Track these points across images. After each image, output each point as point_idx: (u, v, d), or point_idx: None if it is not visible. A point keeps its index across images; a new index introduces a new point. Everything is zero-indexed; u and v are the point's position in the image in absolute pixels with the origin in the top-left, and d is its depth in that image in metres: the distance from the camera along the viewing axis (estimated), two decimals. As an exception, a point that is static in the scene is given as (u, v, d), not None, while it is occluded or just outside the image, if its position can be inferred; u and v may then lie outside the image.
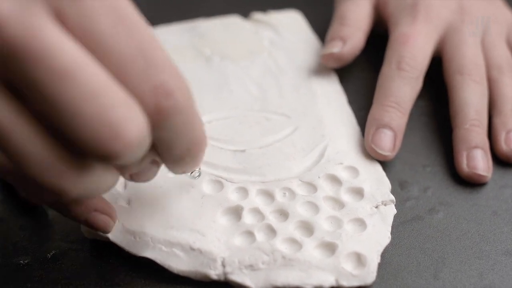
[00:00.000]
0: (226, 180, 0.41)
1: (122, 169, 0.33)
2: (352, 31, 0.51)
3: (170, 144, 0.32)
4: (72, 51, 0.27)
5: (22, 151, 0.28)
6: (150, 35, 0.29)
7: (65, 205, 0.36)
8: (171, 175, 0.38)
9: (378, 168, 0.43)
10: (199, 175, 0.39)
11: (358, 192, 0.41)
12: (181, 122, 0.30)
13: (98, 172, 0.30)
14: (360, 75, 0.53)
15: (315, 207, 0.39)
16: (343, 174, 0.41)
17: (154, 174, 0.35)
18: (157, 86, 0.29)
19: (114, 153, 0.28)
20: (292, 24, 0.57)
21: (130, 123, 0.27)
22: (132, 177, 0.34)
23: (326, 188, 0.41)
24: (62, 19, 0.27)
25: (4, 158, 0.29)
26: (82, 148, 0.28)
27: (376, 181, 0.41)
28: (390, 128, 0.44)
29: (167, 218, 0.39)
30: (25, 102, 0.28)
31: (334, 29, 0.53)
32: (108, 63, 0.28)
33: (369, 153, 0.43)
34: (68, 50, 0.27)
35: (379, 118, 0.45)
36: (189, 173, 0.39)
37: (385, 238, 0.38)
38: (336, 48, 0.50)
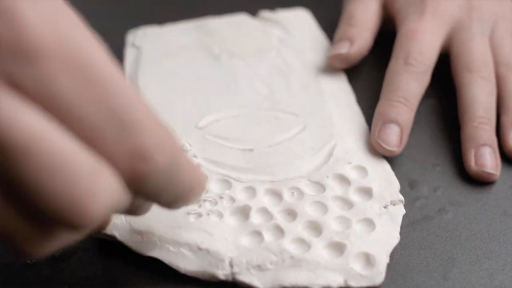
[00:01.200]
0: (234, 179, 0.41)
1: None
2: (360, 31, 0.51)
3: (156, 197, 0.30)
4: (29, 122, 0.24)
5: None
6: (126, 92, 0.26)
7: None
8: None
9: (387, 167, 0.42)
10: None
11: (367, 192, 0.40)
12: (163, 180, 0.28)
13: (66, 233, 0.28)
14: (369, 73, 0.53)
15: (323, 207, 0.39)
16: (351, 174, 0.41)
17: (149, 208, 0.34)
18: (133, 150, 0.26)
19: (78, 226, 0.26)
20: (300, 22, 0.57)
21: (95, 198, 0.25)
22: (126, 213, 0.33)
23: (334, 188, 0.40)
24: (16, 85, 0.24)
25: None
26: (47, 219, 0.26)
27: (385, 180, 0.41)
28: (397, 123, 0.44)
29: (174, 218, 0.38)
30: None
31: (341, 29, 0.52)
32: (74, 129, 0.25)
33: (376, 149, 0.43)
34: (24, 122, 0.24)
35: (386, 113, 0.44)
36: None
37: (394, 238, 0.38)
38: (343, 49, 0.50)
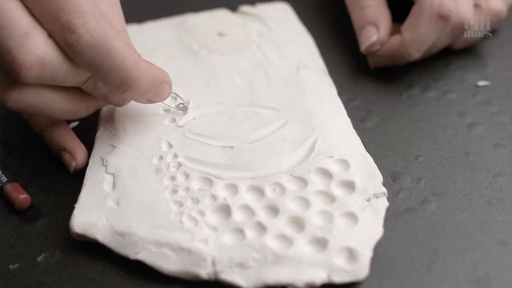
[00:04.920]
0: (215, 177, 0.40)
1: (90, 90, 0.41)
2: (376, 8, 0.52)
3: (98, 77, 0.39)
4: None
5: None
6: None
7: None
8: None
9: (370, 160, 0.42)
10: (183, 107, 0.45)
11: (349, 185, 0.40)
12: (93, 57, 0.37)
13: (31, 90, 0.38)
14: (350, 66, 0.53)
15: (305, 202, 0.39)
16: (333, 168, 0.41)
17: (123, 100, 0.43)
18: (63, 24, 0.37)
19: (14, 72, 0.36)
20: (280, 16, 0.56)
21: (25, 51, 0.36)
22: (105, 98, 0.42)
23: (317, 182, 0.40)
24: None
25: None
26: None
27: (367, 173, 0.41)
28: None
29: (155, 218, 0.38)
30: None
31: (357, 15, 0.53)
32: (32, 7, 0.37)
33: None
34: None
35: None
36: (173, 105, 0.45)
37: (377, 232, 0.38)
38: (373, 36, 0.51)
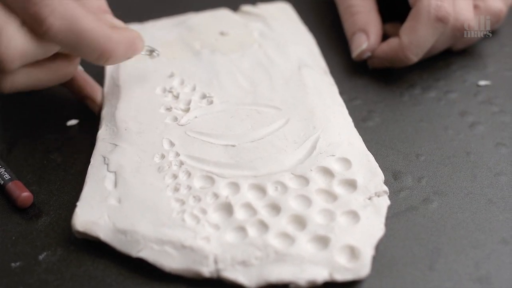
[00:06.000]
0: (217, 175, 0.41)
1: None
2: (366, 15, 0.52)
3: (78, 55, 0.43)
4: None
5: None
6: None
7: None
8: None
9: (371, 159, 0.42)
10: (158, 55, 0.49)
11: (351, 184, 0.40)
12: (68, 39, 0.40)
13: (22, 73, 0.41)
14: (351, 65, 0.53)
15: (307, 201, 0.39)
16: (335, 166, 0.41)
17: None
18: (32, 16, 0.38)
19: None
20: (281, 15, 0.56)
21: (4, 47, 0.38)
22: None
23: (318, 181, 0.40)
24: None
25: None
26: None
27: (369, 172, 0.41)
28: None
29: (157, 216, 0.38)
30: None
31: (348, 22, 0.54)
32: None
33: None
34: None
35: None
36: (144, 53, 0.48)
37: (379, 230, 0.38)
38: (363, 44, 0.51)
